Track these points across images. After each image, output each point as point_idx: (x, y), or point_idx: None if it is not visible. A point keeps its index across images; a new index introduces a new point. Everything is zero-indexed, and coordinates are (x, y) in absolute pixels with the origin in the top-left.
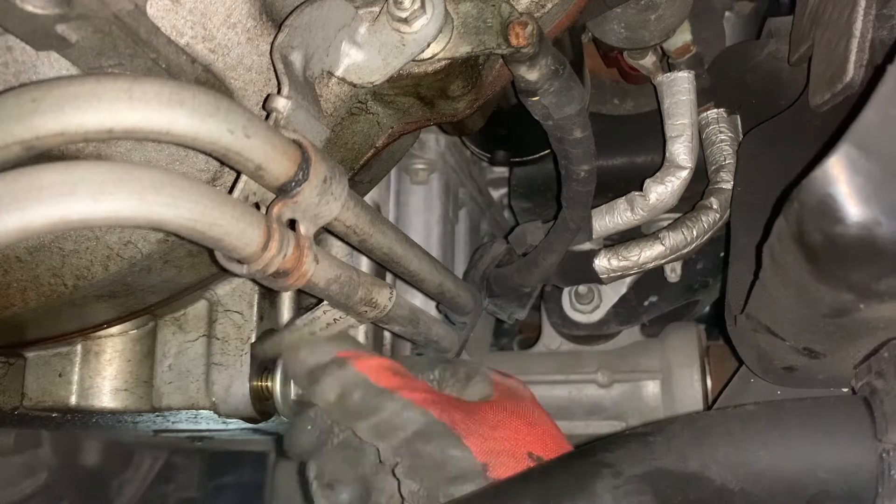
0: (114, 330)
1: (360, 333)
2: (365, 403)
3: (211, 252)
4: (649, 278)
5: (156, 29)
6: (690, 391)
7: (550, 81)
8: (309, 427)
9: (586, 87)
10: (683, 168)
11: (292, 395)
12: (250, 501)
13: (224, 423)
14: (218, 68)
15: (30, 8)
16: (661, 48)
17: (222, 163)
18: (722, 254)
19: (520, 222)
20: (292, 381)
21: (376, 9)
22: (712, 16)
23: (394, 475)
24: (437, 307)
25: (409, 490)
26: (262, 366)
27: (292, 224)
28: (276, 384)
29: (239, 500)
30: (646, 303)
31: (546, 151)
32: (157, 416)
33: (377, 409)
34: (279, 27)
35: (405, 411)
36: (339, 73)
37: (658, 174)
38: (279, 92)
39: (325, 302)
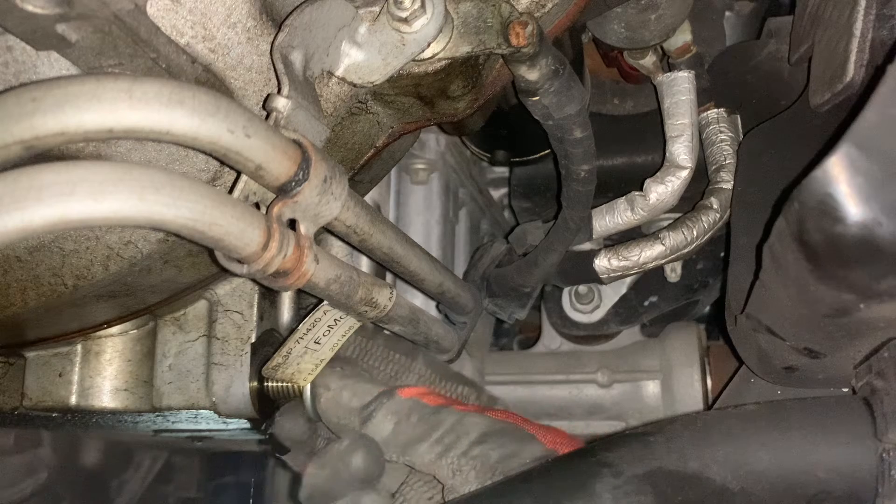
0: (114, 330)
1: None
2: (424, 422)
3: (211, 252)
4: (649, 278)
5: (156, 29)
6: (690, 391)
7: (550, 81)
8: (300, 418)
9: (586, 87)
10: (683, 168)
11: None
12: (250, 501)
13: (224, 423)
14: (218, 68)
15: (30, 8)
16: (662, 48)
17: (222, 163)
18: (722, 254)
19: (520, 222)
20: (331, 429)
21: (376, 8)
22: (712, 16)
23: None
24: (437, 307)
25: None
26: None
27: (292, 224)
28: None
29: (239, 500)
30: (646, 303)
31: (546, 151)
32: (157, 416)
33: (438, 424)
34: (279, 27)
35: (466, 418)
36: (339, 72)
37: (658, 174)
38: (279, 92)
39: (325, 302)
